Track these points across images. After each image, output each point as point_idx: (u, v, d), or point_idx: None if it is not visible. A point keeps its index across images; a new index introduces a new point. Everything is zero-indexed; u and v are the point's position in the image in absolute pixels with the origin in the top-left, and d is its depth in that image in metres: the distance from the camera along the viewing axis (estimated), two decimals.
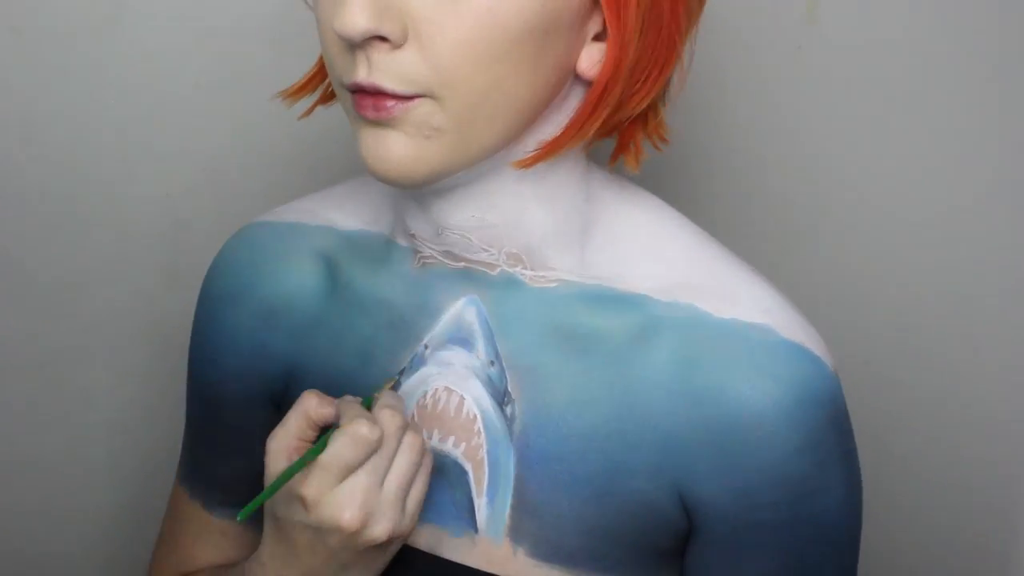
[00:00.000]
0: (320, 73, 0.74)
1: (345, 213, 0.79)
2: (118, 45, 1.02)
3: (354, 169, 1.07)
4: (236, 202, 1.07)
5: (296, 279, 0.78)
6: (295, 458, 0.66)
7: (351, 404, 0.67)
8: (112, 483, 1.12)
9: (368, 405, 0.69)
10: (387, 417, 0.66)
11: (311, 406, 0.67)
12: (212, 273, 0.81)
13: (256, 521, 0.83)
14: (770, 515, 0.67)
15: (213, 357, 0.80)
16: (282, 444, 0.67)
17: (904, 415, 1.09)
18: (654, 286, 0.70)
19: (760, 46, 1.05)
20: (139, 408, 1.11)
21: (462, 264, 0.71)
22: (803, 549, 0.68)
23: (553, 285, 0.71)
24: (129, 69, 1.03)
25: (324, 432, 0.67)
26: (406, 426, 0.67)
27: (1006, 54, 1.02)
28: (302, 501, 0.65)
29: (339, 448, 0.64)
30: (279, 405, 0.80)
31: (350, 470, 0.65)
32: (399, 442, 0.66)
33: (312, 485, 0.65)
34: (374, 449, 0.65)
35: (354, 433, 0.64)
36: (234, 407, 0.80)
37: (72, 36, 1.01)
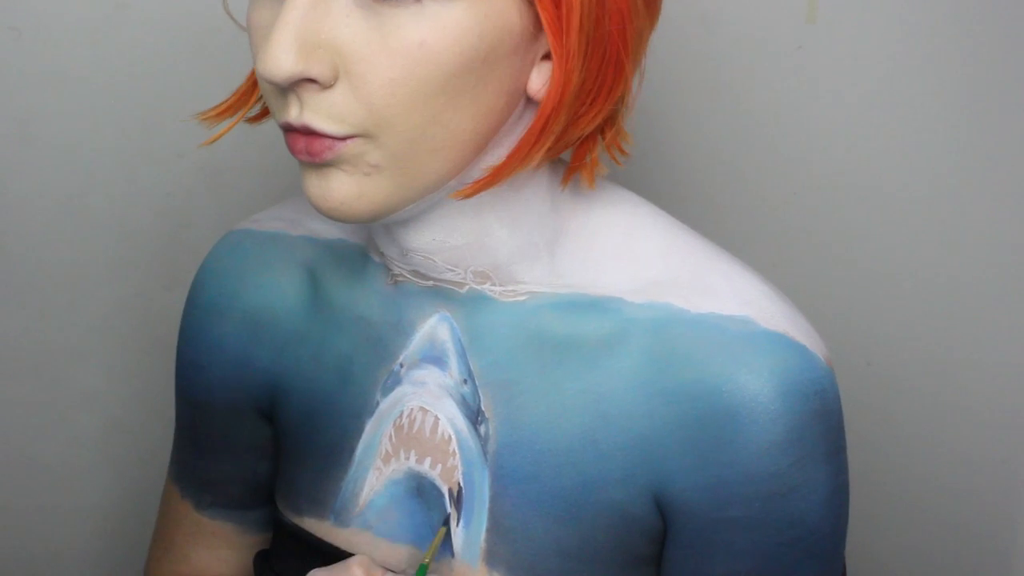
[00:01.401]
0: (245, 96, 0.71)
1: (325, 221, 0.77)
2: (118, 45, 1.02)
3: None
4: (236, 202, 1.07)
5: (279, 292, 0.77)
6: None
7: None
8: (111, 483, 1.12)
9: (422, 574, 0.67)
10: None
11: None
12: (197, 282, 0.80)
13: (251, 524, 0.83)
14: (742, 512, 0.64)
15: (199, 365, 0.79)
16: None
17: (906, 416, 1.09)
18: (628, 287, 0.67)
19: (760, 46, 1.05)
20: (138, 408, 1.11)
21: (431, 283, 0.69)
22: (776, 552, 0.64)
23: (523, 298, 0.68)
24: (129, 69, 1.03)
25: None
26: None
27: (1006, 52, 1.02)
28: None
29: None
30: (267, 416, 0.80)
31: None
32: None
33: None
34: None
35: None
36: (221, 414, 0.80)
37: (72, 36, 1.01)
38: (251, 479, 0.82)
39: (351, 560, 0.67)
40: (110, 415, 1.11)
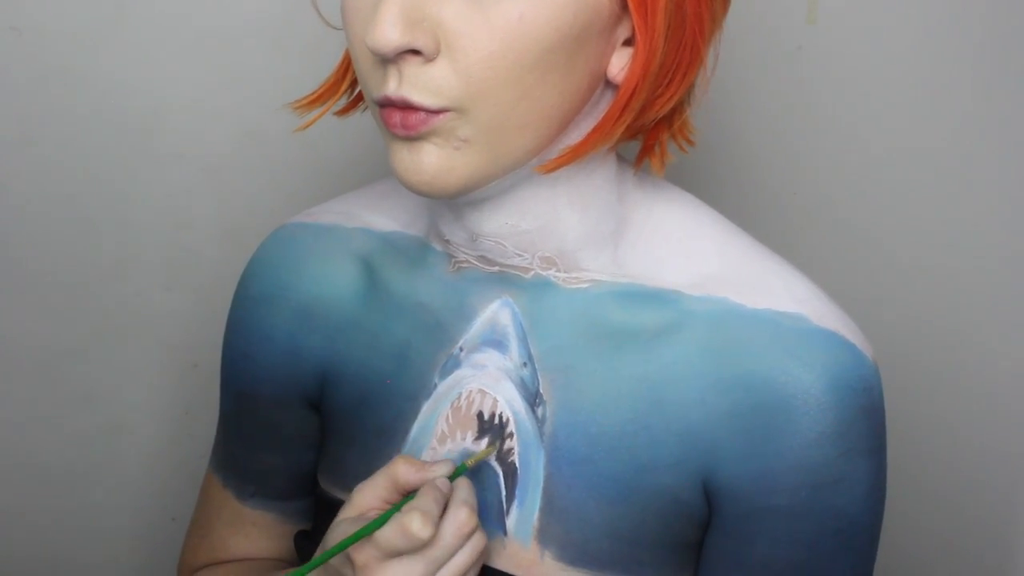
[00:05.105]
0: (334, 86, 0.74)
1: (382, 215, 0.79)
2: (118, 45, 1.02)
3: (353, 170, 1.07)
4: (236, 202, 1.07)
5: (333, 281, 0.78)
6: (371, 516, 0.67)
7: (430, 487, 0.67)
8: (111, 483, 1.12)
9: (462, 471, 0.69)
10: (458, 519, 0.66)
11: (399, 472, 0.68)
12: (249, 273, 0.82)
13: (292, 514, 0.84)
14: (786, 501, 0.66)
15: (248, 356, 0.81)
16: (365, 498, 0.68)
17: (907, 416, 1.09)
18: (687, 281, 0.70)
19: (760, 46, 1.05)
20: (139, 408, 1.11)
21: (496, 268, 0.72)
22: (816, 542, 0.67)
23: (586, 286, 0.71)
24: (129, 69, 1.03)
25: (408, 496, 0.68)
26: (474, 531, 0.67)
27: (1006, 52, 1.02)
28: (352, 563, 0.66)
29: (389, 534, 0.65)
30: (315, 405, 0.81)
31: (396, 555, 0.65)
32: (463, 542, 0.66)
33: (363, 552, 0.65)
34: (422, 545, 0.65)
35: (404, 526, 0.64)
36: (267, 405, 0.81)
37: (72, 36, 1.01)
38: (295, 470, 0.83)
39: (395, 458, 0.69)
40: (111, 415, 1.11)
